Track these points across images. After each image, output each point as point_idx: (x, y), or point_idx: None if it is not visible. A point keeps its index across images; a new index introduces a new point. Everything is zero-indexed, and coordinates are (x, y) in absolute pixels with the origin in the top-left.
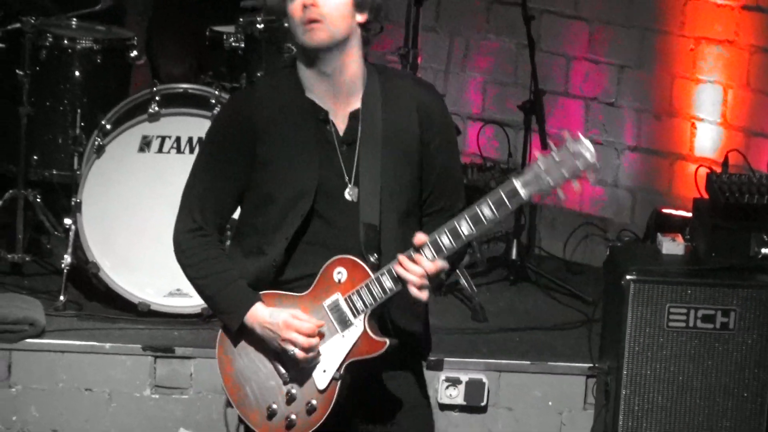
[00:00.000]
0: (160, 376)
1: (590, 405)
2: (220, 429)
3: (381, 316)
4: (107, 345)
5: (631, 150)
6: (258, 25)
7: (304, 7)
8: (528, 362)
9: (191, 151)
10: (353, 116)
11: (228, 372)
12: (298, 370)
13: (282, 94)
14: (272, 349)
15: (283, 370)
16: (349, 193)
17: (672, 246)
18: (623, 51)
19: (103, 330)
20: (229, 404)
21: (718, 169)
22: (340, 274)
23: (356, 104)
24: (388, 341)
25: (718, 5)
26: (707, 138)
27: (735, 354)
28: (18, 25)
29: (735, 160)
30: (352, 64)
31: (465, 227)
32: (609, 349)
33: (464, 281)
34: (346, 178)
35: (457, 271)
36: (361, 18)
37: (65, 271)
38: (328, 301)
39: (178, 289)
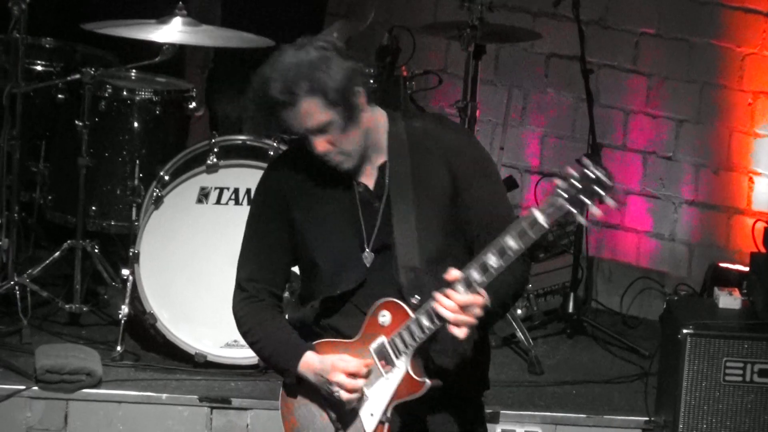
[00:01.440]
0: (217, 427)
1: None
2: None
3: (426, 357)
4: (164, 395)
5: (688, 204)
6: None
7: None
8: (584, 415)
9: (249, 202)
10: (381, 169)
11: (290, 421)
12: (348, 415)
13: (311, 158)
14: (326, 397)
15: (335, 417)
16: (366, 257)
17: (729, 300)
18: (681, 105)
19: (160, 381)
20: None
21: None
22: (384, 317)
23: (383, 157)
24: (428, 382)
25: None
26: (765, 192)
27: None
28: (78, 76)
29: None
30: (374, 130)
31: (492, 260)
32: (665, 402)
33: (521, 334)
34: (364, 235)
35: (514, 324)
36: (361, 97)
37: (123, 321)
38: (373, 345)
39: (235, 341)
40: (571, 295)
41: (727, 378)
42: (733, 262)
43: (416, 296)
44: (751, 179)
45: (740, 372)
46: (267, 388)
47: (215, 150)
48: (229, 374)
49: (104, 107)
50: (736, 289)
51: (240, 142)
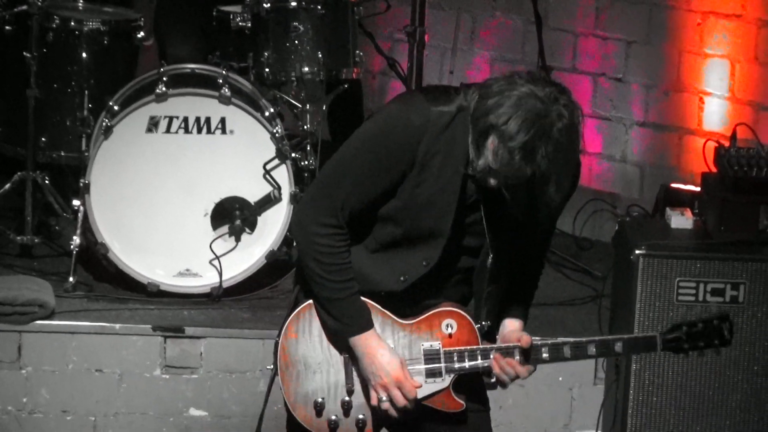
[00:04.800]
0: (171, 356)
1: (600, 380)
2: (230, 408)
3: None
4: (117, 326)
5: (639, 125)
6: (265, 5)
7: None
8: (538, 338)
9: (199, 131)
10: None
11: (292, 350)
12: (367, 391)
13: (450, 138)
14: (354, 360)
15: (352, 380)
16: (490, 263)
17: (681, 220)
18: (631, 26)
19: (113, 311)
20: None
21: (727, 143)
22: (450, 327)
23: None
24: (464, 404)
25: None
26: (715, 112)
27: (745, 327)
28: (25, 7)
29: (743, 134)
30: None
31: (567, 353)
32: (619, 323)
33: None
34: (489, 244)
35: None
36: None
37: (74, 252)
38: (426, 345)
39: (187, 269)
40: None
41: (680, 298)
42: (685, 183)
43: (487, 323)
44: (701, 99)
45: (693, 292)
46: (220, 316)
47: (164, 79)
48: (182, 303)
49: (52, 38)
50: (688, 209)
51: (189, 70)
